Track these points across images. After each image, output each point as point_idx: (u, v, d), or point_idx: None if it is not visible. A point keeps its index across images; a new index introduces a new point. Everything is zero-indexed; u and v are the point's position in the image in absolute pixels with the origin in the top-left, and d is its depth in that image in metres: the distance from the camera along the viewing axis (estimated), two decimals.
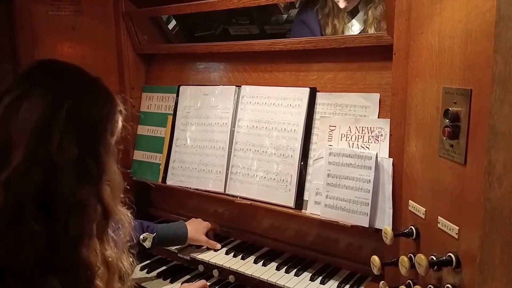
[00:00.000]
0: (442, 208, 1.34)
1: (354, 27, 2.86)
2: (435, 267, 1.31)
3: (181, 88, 2.55)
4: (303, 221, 2.12)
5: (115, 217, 1.27)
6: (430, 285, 1.34)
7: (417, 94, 1.52)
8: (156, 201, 2.80)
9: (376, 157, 1.80)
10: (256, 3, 2.11)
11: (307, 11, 3.05)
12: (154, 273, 2.22)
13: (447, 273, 1.30)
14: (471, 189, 1.17)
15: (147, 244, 2.03)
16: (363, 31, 2.84)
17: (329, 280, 1.96)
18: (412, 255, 1.43)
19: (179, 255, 2.26)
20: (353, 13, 2.88)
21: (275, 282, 1.96)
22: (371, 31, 2.77)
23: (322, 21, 2.88)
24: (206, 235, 2.29)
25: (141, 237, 2.00)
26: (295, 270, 2.03)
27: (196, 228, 2.25)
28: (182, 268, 2.27)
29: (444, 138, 1.27)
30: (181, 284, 2.09)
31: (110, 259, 1.25)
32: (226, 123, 2.33)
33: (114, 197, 1.27)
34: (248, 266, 2.10)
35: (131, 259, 1.40)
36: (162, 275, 2.23)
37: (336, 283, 1.93)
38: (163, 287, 2.15)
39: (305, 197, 2.04)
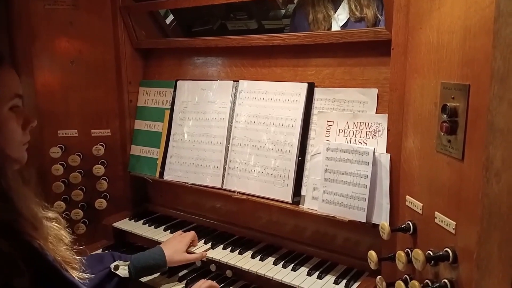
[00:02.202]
0: (439, 203, 1.34)
1: (341, 16, 2.88)
2: (432, 262, 1.31)
3: (179, 82, 2.54)
4: (301, 216, 2.13)
5: (6, 168, 1.32)
6: (427, 280, 1.34)
7: (415, 90, 1.52)
8: (153, 196, 2.80)
9: (374, 152, 1.80)
10: None
11: (295, 14, 3.08)
12: None
13: (444, 268, 1.30)
14: (468, 185, 1.18)
15: (122, 272, 1.93)
16: (349, 20, 2.86)
17: (326, 275, 1.96)
18: (409, 250, 1.44)
19: None
20: (335, 5, 2.91)
21: (272, 277, 1.96)
22: (357, 13, 2.80)
23: (309, 14, 2.91)
24: (191, 245, 2.24)
25: (112, 265, 1.92)
26: (292, 265, 2.03)
27: (174, 250, 2.12)
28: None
29: (442, 134, 1.28)
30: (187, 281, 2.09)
31: (24, 210, 1.32)
32: (223, 118, 2.32)
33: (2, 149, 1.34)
34: (246, 261, 2.10)
35: (41, 205, 1.45)
36: None
37: (333, 278, 1.93)
38: (161, 282, 2.15)
39: (303, 192, 2.04)
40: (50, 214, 1.46)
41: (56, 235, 1.44)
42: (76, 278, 1.45)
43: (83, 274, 1.50)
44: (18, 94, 1.42)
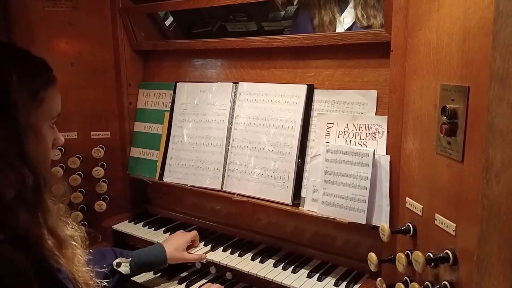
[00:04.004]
0: (439, 205, 1.34)
1: (346, 19, 2.86)
2: (432, 264, 1.31)
3: (178, 84, 2.54)
4: (301, 218, 2.12)
5: (47, 181, 1.30)
6: (427, 282, 1.34)
7: (415, 91, 1.52)
8: (153, 198, 2.79)
9: (374, 154, 1.80)
10: None
11: (299, 12, 3.07)
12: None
13: (444, 270, 1.30)
14: (468, 186, 1.17)
15: (124, 269, 1.94)
16: (355, 23, 2.85)
17: (326, 277, 1.96)
18: (409, 252, 1.43)
19: None
20: (341, 7, 2.89)
21: (272, 279, 1.96)
22: (364, 21, 2.78)
23: (314, 17, 2.89)
24: (192, 245, 2.25)
25: (115, 262, 1.93)
26: (292, 267, 2.03)
27: (175, 247, 2.13)
28: (179, 265, 2.26)
29: (442, 135, 1.27)
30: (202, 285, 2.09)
31: (53, 227, 1.30)
32: (223, 120, 2.32)
33: (42, 162, 1.32)
34: (246, 263, 2.10)
35: (70, 225, 1.44)
36: (159, 272, 2.23)
37: (333, 280, 1.93)
38: (161, 284, 2.15)
39: (303, 194, 2.04)
40: (71, 232, 1.44)
41: (76, 254, 1.43)
42: None
43: None
44: (59, 113, 1.47)
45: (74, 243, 1.42)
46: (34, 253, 1.24)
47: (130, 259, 1.98)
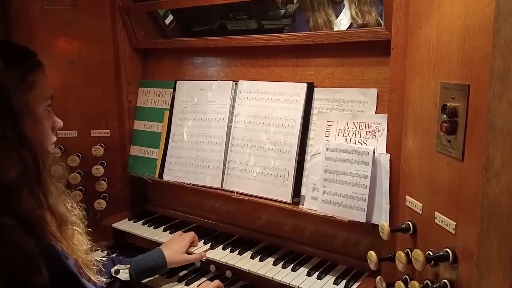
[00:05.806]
0: (439, 203, 1.34)
1: (343, 21, 2.86)
2: (432, 262, 1.31)
3: (178, 83, 2.54)
4: (300, 216, 2.12)
5: (46, 162, 1.35)
6: (427, 281, 1.34)
7: (415, 90, 1.52)
8: (153, 197, 2.79)
9: (374, 152, 1.80)
10: None
11: (296, 16, 3.07)
12: None
13: (444, 269, 1.30)
14: (468, 185, 1.17)
15: (123, 276, 1.93)
16: (351, 25, 2.85)
17: (326, 275, 1.96)
18: (409, 251, 1.44)
19: None
20: (336, 9, 2.89)
21: (271, 277, 1.96)
22: (359, 20, 2.79)
23: (309, 20, 2.90)
24: (192, 245, 2.25)
25: (113, 270, 1.93)
26: (292, 265, 2.03)
27: (174, 251, 2.13)
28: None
29: (442, 134, 1.27)
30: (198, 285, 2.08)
31: (53, 206, 1.35)
32: (223, 118, 2.32)
33: (40, 144, 1.38)
34: (245, 261, 2.10)
35: (69, 204, 1.49)
36: None
37: (333, 278, 1.93)
38: (161, 283, 2.15)
39: (302, 193, 2.04)
40: (71, 209, 1.49)
41: (76, 233, 1.47)
42: (96, 281, 1.50)
43: (100, 277, 1.55)
44: (52, 95, 1.50)
45: (74, 220, 1.46)
46: (41, 239, 1.28)
47: (128, 265, 1.98)
